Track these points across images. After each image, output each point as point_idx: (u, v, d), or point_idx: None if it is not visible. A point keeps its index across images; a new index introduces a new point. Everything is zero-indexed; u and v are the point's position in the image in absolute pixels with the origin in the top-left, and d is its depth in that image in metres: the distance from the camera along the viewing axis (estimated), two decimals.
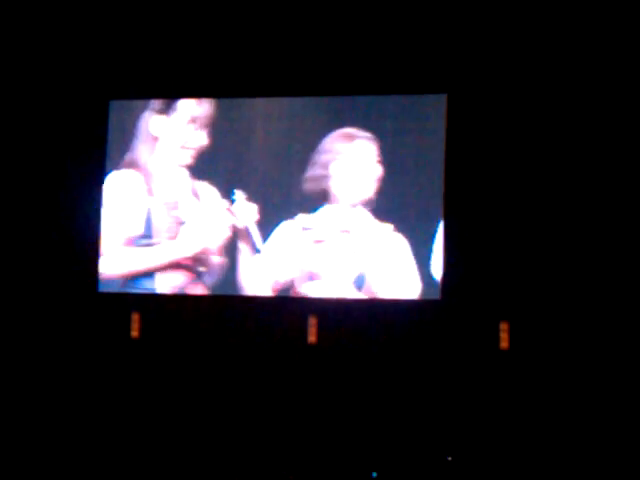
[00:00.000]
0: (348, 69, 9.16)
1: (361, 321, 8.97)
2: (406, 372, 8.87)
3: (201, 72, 9.41)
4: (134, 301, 9.31)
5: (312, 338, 9.01)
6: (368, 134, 8.73)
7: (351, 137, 8.71)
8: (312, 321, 9.01)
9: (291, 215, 8.71)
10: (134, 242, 8.92)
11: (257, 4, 9.30)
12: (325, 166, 8.59)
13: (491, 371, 8.75)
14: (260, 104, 9.22)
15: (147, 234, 8.95)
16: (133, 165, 9.19)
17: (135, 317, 9.27)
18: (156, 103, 9.15)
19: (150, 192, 9.08)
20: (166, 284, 9.06)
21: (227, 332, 9.18)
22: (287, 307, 9.12)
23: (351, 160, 8.55)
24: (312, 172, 8.62)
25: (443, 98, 8.97)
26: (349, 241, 8.51)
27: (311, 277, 8.61)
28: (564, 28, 8.81)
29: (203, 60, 9.40)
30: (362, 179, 8.56)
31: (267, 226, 8.86)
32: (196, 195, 9.04)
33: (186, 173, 9.03)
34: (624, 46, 8.69)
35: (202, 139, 8.97)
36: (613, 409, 8.49)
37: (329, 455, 8.81)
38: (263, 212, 8.80)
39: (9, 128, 9.63)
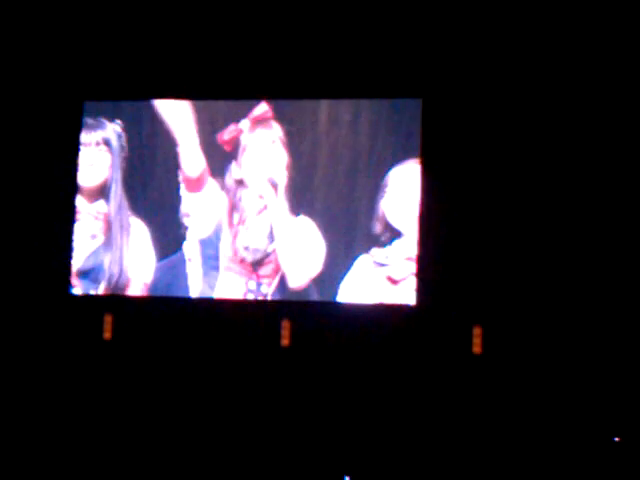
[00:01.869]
0: (323, 73, 9.15)
1: (335, 325, 8.97)
2: (380, 376, 8.87)
3: (178, 74, 9.36)
4: (106, 303, 9.27)
5: (285, 341, 9.00)
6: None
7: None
8: (285, 324, 9.01)
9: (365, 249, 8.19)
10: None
11: (233, 6, 9.28)
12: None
13: (464, 376, 8.76)
14: None
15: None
16: None
17: (107, 319, 9.23)
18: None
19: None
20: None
21: (200, 334, 9.15)
22: (260, 310, 9.11)
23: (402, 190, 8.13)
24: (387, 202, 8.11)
25: (418, 102, 8.95)
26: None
27: None
28: (540, 33, 8.85)
29: (179, 61, 9.36)
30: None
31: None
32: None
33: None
34: (604, 49, 8.74)
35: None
36: (587, 413, 8.53)
37: (302, 458, 8.80)
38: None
39: None
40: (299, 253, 7.95)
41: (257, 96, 8.91)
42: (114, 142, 8.20)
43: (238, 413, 8.99)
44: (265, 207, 8.06)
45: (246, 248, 8.04)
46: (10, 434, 9.14)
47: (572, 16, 8.78)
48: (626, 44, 8.69)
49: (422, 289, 8.87)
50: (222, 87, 9.24)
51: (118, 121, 8.26)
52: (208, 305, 9.19)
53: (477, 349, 8.75)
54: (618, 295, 8.59)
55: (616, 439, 8.43)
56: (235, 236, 8.05)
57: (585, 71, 8.77)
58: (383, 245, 8.08)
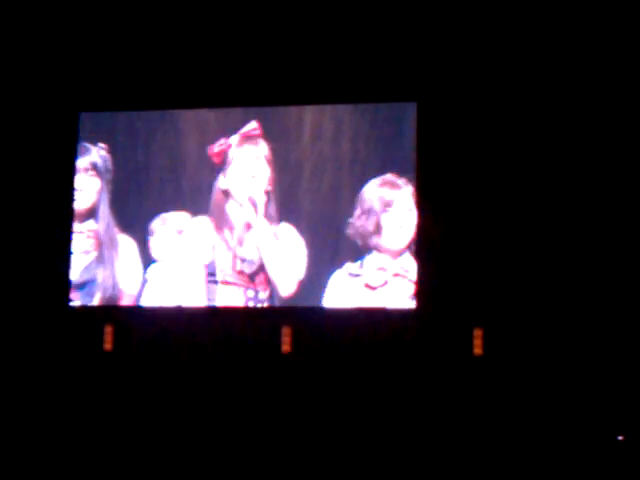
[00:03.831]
0: (318, 78, 9.18)
1: (335, 330, 8.97)
2: (381, 380, 8.86)
3: (173, 84, 9.38)
4: (107, 314, 9.26)
5: (286, 348, 9.00)
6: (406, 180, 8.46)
7: (397, 185, 8.45)
8: (286, 331, 9.01)
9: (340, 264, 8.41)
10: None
11: (226, 14, 9.30)
12: (374, 216, 8.36)
13: (465, 377, 8.75)
14: None
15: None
16: None
17: (108, 330, 9.22)
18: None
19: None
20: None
21: (201, 343, 9.14)
22: (261, 317, 9.11)
23: (401, 210, 8.35)
24: (359, 222, 8.40)
25: (413, 106, 8.98)
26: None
27: None
28: (535, 37, 8.88)
29: (174, 72, 9.38)
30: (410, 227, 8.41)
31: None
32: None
33: None
34: (603, 54, 8.78)
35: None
36: (590, 413, 8.53)
37: (304, 464, 8.78)
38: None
39: None
40: (284, 261, 8.22)
41: (249, 102, 8.97)
42: (100, 166, 8.43)
43: (240, 421, 8.98)
44: (250, 221, 8.39)
45: (243, 260, 8.31)
46: (13, 446, 9.13)
47: (569, 20, 8.80)
48: (622, 47, 8.73)
49: (422, 292, 8.87)
50: (214, 97, 9.25)
51: (102, 144, 8.46)
52: (209, 313, 9.17)
53: (478, 351, 8.75)
54: (619, 296, 8.59)
55: (619, 438, 8.43)
56: (234, 253, 8.35)
57: (583, 76, 8.80)
58: (355, 260, 8.30)
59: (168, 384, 9.12)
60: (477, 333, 8.77)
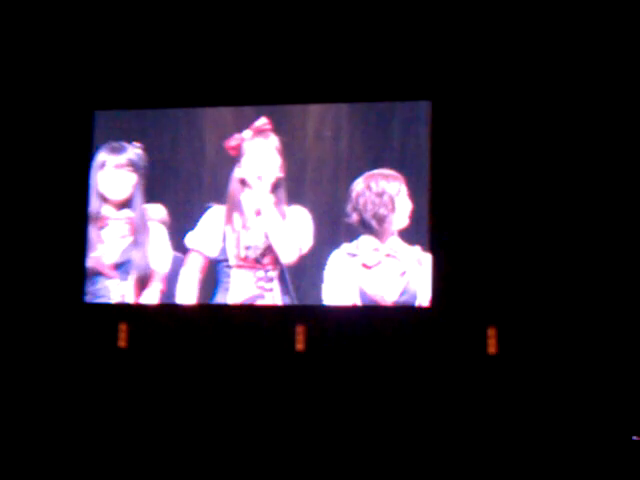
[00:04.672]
0: (331, 77, 9.19)
1: (349, 328, 8.97)
2: (395, 379, 8.86)
3: (189, 81, 9.45)
4: (121, 311, 9.33)
5: (300, 346, 9.01)
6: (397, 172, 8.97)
7: (388, 177, 8.95)
8: (300, 329, 9.01)
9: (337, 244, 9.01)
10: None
11: (243, 13, 9.33)
12: (374, 204, 8.93)
13: (479, 376, 8.74)
14: None
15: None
16: None
17: (122, 327, 9.27)
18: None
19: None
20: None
21: (214, 340, 9.17)
22: (274, 315, 9.12)
23: (395, 198, 8.91)
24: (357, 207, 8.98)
25: (427, 105, 8.99)
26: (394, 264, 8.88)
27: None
28: (550, 35, 8.80)
29: (190, 69, 9.43)
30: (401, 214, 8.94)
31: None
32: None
33: None
34: (613, 50, 8.70)
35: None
36: (605, 412, 8.49)
37: (317, 464, 8.78)
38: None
39: None
40: (289, 233, 8.93)
41: (262, 101, 9.26)
42: (137, 163, 9.16)
43: (255, 420, 9.00)
44: (261, 205, 9.05)
45: (247, 248, 8.96)
46: (25, 443, 9.17)
47: (588, 18, 8.74)
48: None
49: (436, 290, 8.87)
50: (228, 95, 9.37)
51: (137, 143, 9.17)
52: (222, 311, 9.22)
53: (492, 350, 8.74)
54: (638, 294, 8.54)
55: (635, 438, 8.40)
56: (238, 239, 9.07)
57: (607, 75, 8.72)
58: (350, 240, 8.87)
59: (182, 381, 9.16)
60: (491, 332, 8.75)
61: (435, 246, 8.90)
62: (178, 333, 9.25)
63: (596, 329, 8.57)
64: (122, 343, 9.25)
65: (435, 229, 8.90)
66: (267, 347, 9.08)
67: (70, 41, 9.55)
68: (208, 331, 9.21)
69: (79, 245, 9.45)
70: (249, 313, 9.17)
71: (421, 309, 8.89)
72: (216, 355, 9.15)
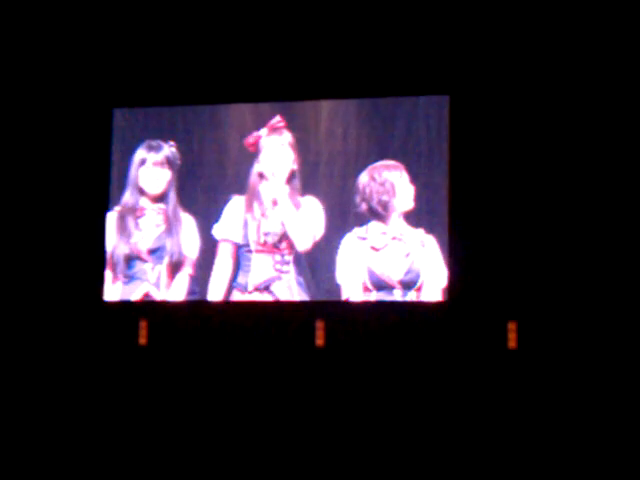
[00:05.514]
0: (349, 72, 9.21)
1: (368, 323, 8.99)
2: (414, 373, 8.86)
3: (206, 79, 9.54)
4: (141, 308, 9.41)
5: (319, 341, 9.02)
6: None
7: (389, 167, 9.40)
8: (319, 324, 9.03)
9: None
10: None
11: (258, 9, 9.36)
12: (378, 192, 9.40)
13: (499, 371, 8.72)
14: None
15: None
16: None
17: (142, 324, 9.33)
18: None
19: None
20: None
21: (234, 337, 9.21)
22: (294, 311, 9.15)
23: (395, 184, 9.37)
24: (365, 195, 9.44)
25: (445, 100, 9.05)
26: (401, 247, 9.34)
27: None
28: (567, 29, 8.74)
29: (207, 66, 9.51)
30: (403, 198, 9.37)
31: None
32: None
33: None
34: (627, 46, 8.65)
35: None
36: (622, 409, 8.45)
37: (336, 459, 8.79)
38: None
39: (10, 137, 9.75)
40: (303, 222, 9.51)
41: (280, 98, 9.61)
42: (172, 160, 9.84)
43: (273, 415, 9.02)
44: (277, 196, 9.63)
45: (266, 234, 9.56)
46: (46, 441, 9.24)
47: (607, 15, 8.70)
48: None
49: (455, 285, 8.86)
50: (245, 92, 9.56)
51: (171, 142, 9.83)
52: (242, 308, 9.27)
53: (512, 344, 8.71)
54: None
55: None
56: (258, 226, 9.65)
57: (624, 73, 8.68)
58: (361, 224, 9.36)
59: (202, 378, 9.20)
60: (511, 326, 8.73)
61: (454, 240, 8.89)
62: (198, 330, 9.30)
63: (619, 324, 8.52)
64: (142, 340, 9.32)
65: (453, 223, 8.89)
66: (287, 343, 9.10)
67: (92, 40, 9.64)
68: (228, 328, 9.25)
69: (99, 243, 9.55)
70: (269, 309, 9.19)
71: (440, 303, 8.90)
72: (236, 351, 9.19)
